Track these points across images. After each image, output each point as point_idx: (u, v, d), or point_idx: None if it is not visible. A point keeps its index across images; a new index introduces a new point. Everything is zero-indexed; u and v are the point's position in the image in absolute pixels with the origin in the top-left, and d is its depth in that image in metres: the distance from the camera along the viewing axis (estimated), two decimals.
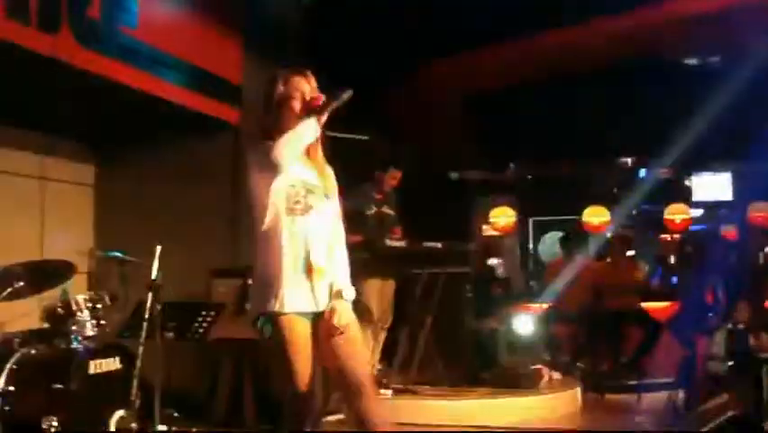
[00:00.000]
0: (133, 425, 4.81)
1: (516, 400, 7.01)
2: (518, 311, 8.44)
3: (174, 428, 5.36)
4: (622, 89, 10.81)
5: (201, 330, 5.65)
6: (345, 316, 3.51)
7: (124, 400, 4.83)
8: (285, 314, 3.45)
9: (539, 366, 7.57)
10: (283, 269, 3.47)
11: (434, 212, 10.29)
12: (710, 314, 8.01)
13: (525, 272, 14.36)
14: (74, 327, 5.07)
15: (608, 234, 11.40)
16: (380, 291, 7.07)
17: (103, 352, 5.08)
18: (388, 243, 6.93)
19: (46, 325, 5.18)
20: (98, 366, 4.96)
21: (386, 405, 6.58)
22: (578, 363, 8.60)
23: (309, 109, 3.53)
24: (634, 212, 13.43)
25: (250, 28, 7.78)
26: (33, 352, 5.01)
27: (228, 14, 7.58)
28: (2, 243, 6.42)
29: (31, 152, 7.44)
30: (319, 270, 3.52)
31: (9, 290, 5.04)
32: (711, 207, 14.17)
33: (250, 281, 4.32)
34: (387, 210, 7.35)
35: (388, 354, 7.51)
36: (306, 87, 3.58)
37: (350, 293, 3.59)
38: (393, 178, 7.33)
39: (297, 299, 3.47)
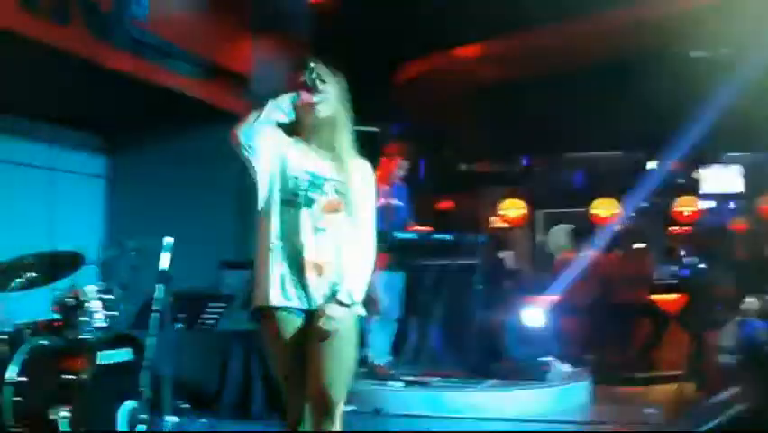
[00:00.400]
0: (143, 415, 4.82)
1: (526, 393, 7.01)
2: (528, 303, 8.42)
3: (184, 419, 5.39)
4: (631, 81, 10.78)
5: (211, 321, 5.66)
6: (332, 323, 3.29)
7: (134, 391, 4.84)
8: (270, 308, 3.34)
9: (549, 358, 7.57)
10: (273, 262, 3.35)
11: (444, 203, 10.31)
12: (719, 306, 8.01)
13: (535, 264, 14.34)
14: (84, 318, 5.10)
15: (617, 227, 11.38)
16: (390, 283, 7.07)
17: (113, 342, 5.11)
18: (397, 234, 6.93)
19: (57, 315, 5.20)
20: (108, 357, 4.98)
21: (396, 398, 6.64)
22: (587, 356, 8.59)
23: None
24: (643, 204, 13.39)
25: (259, 19, 7.79)
26: (44, 342, 5.04)
27: (238, 6, 7.59)
28: (13, 233, 6.44)
29: (42, 143, 7.47)
30: (316, 266, 3.34)
31: (20, 280, 5.08)
32: (720, 199, 14.12)
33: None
34: (394, 202, 7.32)
35: (398, 345, 7.52)
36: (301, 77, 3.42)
37: (349, 298, 3.34)
38: (400, 168, 7.29)
39: (284, 293, 3.34)
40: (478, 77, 11.15)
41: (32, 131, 7.33)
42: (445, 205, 12.86)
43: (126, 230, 6.96)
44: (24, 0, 5.28)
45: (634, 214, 12.91)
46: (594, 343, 8.93)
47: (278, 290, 3.34)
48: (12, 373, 4.81)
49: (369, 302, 3.50)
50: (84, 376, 4.80)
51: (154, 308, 4.79)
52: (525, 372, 7.32)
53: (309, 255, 3.35)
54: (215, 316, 5.65)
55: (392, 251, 6.85)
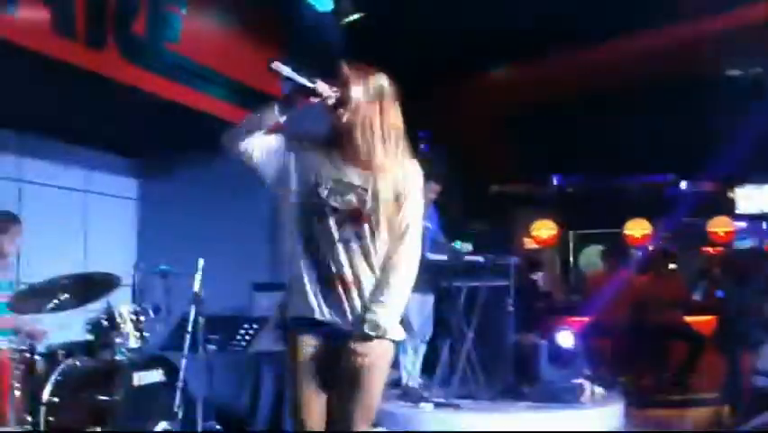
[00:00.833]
0: None
1: (558, 415, 6.95)
2: (560, 325, 8.37)
3: None
4: (664, 102, 10.73)
5: (243, 343, 5.67)
6: (357, 360, 3.08)
7: (167, 412, 4.86)
8: (292, 320, 3.22)
9: (581, 380, 7.50)
10: (297, 273, 3.20)
11: (475, 225, 10.27)
12: (755, 328, 7.91)
13: (566, 286, 14.27)
14: (118, 340, 5.13)
15: (650, 248, 11.31)
16: (421, 305, 7.05)
17: (146, 364, 5.13)
18: (429, 256, 6.91)
19: (90, 337, 5.24)
20: (142, 378, 5.01)
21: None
22: (620, 378, 8.51)
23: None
24: (676, 225, 13.30)
25: (291, 42, 7.83)
26: (78, 363, 5.07)
27: (269, 29, 7.63)
28: (47, 255, 6.50)
29: (76, 166, 7.55)
30: (341, 281, 3.14)
31: (55, 301, 5.11)
32: (755, 220, 13.98)
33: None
34: (426, 224, 7.31)
35: (428, 367, 7.49)
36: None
37: (374, 329, 3.10)
38: (432, 191, 7.29)
39: (306, 305, 3.17)
40: (510, 98, 11.14)
41: (66, 154, 7.42)
42: (477, 227, 12.84)
43: (159, 252, 7.01)
44: (59, 25, 5.35)
45: (667, 235, 12.82)
46: (627, 365, 8.86)
47: (300, 301, 3.19)
48: (46, 393, 4.84)
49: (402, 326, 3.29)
50: (118, 397, 4.82)
51: (187, 329, 4.81)
52: (558, 394, 7.26)
53: (334, 269, 3.16)
54: (248, 337, 5.67)
55: (423, 272, 6.83)
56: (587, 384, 7.48)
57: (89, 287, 5.26)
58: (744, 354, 7.55)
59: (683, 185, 13.61)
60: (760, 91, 10.20)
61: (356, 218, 3.16)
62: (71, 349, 5.18)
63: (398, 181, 3.22)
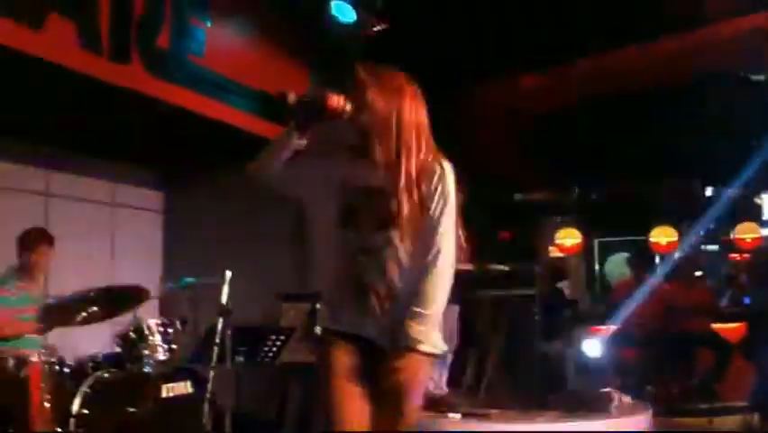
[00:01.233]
0: None
1: (586, 424, 6.91)
2: (586, 334, 8.33)
3: None
4: (689, 107, 10.66)
5: (271, 354, 5.67)
6: (396, 378, 2.91)
7: (195, 424, 4.86)
8: (325, 333, 3.07)
9: (608, 389, 7.46)
10: (329, 286, 3.11)
11: (499, 234, 10.26)
12: None
13: (591, 294, 14.20)
14: (146, 352, 5.17)
15: (676, 255, 11.23)
16: (445, 315, 7.03)
17: (174, 376, 5.16)
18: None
19: (119, 349, 5.27)
20: (170, 390, 5.04)
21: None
22: (648, 387, 8.46)
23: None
24: (703, 231, 13.21)
25: (314, 54, 7.86)
26: (106, 375, 5.11)
27: (293, 41, 7.66)
28: (75, 267, 6.55)
29: (102, 180, 7.60)
30: (374, 291, 2.99)
31: (83, 314, 5.14)
32: None
33: (318, 306, 4.28)
34: None
35: (455, 377, 7.47)
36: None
37: (412, 342, 2.93)
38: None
39: (337, 318, 3.06)
40: (532, 105, 11.11)
41: (92, 167, 7.47)
42: (501, 235, 12.80)
43: (185, 264, 7.05)
44: (85, 39, 5.40)
45: (693, 241, 12.73)
46: (654, 373, 8.79)
47: (335, 314, 3.07)
48: (76, 405, 4.87)
49: None
50: (145, 409, 4.84)
51: (214, 341, 4.82)
52: (586, 403, 7.22)
53: (367, 279, 2.99)
54: (275, 349, 5.67)
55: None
56: (614, 393, 7.44)
57: (118, 299, 5.31)
58: None
59: (709, 191, 13.51)
60: None
61: (387, 225, 3.00)
62: (100, 362, 5.22)
63: (428, 183, 3.06)
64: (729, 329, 9.30)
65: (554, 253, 13.48)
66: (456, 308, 7.19)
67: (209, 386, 4.83)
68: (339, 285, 3.07)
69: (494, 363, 7.34)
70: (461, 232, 3.27)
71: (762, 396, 7.41)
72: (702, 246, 12.93)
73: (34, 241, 5.74)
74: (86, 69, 5.43)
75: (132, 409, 4.86)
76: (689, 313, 8.94)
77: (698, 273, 10.26)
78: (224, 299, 4.91)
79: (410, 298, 2.98)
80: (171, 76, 6.23)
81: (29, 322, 5.43)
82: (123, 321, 5.42)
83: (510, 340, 7.41)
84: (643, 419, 7.29)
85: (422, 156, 3.08)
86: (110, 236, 7.73)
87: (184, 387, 5.14)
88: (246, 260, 6.25)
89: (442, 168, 3.10)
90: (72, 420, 4.84)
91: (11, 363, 5.06)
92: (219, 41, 6.73)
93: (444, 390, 7.23)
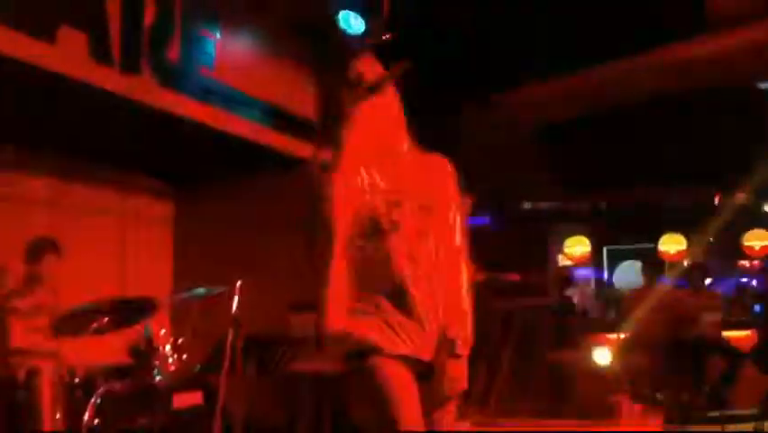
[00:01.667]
0: None
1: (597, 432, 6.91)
2: (596, 342, 8.31)
3: None
4: (698, 115, 10.66)
5: (281, 364, 5.68)
6: (455, 385, 2.91)
7: None
8: (373, 351, 2.77)
9: (619, 397, 7.45)
10: (357, 301, 2.84)
11: (509, 243, 10.24)
12: None
13: (601, 302, 14.17)
14: (157, 362, 5.16)
15: (685, 263, 11.20)
16: None
17: (185, 386, 5.16)
18: None
19: (129, 360, 5.27)
20: (181, 401, 5.03)
21: None
22: (658, 394, 8.43)
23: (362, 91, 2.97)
24: (712, 239, 13.18)
25: (322, 64, 7.87)
26: (117, 386, 5.10)
27: (304, 52, 7.67)
28: (85, 278, 6.56)
29: (112, 190, 7.62)
30: (416, 304, 2.83)
31: (94, 325, 5.15)
32: None
33: None
34: None
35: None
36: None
37: (458, 347, 2.91)
38: (465, 205, 7.26)
39: (385, 337, 2.79)
40: (541, 115, 11.11)
41: (102, 177, 7.49)
42: (511, 245, 12.80)
43: (195, 275, 7.04)
44: (96, 51, 5.43)
45: (703, 249, 12.70)
46: (665, 381, 8.77)
47: (380, 333, 2.79)
48: (87, 417, 4.87)
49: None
50: (157, 420, 4.85)
51: (225, 351, 4.82)
52: (596, 411, 7.21)
53: (393, 289, 2.82)
54: (286, 358, 5.67)
55: None
56: (625, 401, 7.43)
57: (128, 310, 5.30)
58: None
59: (719, 198, 13.48)
60: None
61: (407, 231, 2.86)
62: (110, 372, 5.22)
63: (431, 184, 3.00)
64: (740, 337, 9.28)
65: (564, 261, 13.46)
66: None
67: (220, 396, 4.83)
68: (369, 300, 2.86)
69: (505, 372, 7.34)
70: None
71: None
72: (711, 254, 12.88)
73: (42, 250, 5.75)
74: (98, 81, 5.45)
75: (143, 420, 4.86)
76: (699, 321, 8.92)
77: (708, 281, 10.24)
78: (234, 309, 4.92)
79: (450, 311, 2.97)
80: (181, 87, 6.25)
81: (40, 333, 5.44)
82: (134, 332, 5.42)
83: (521, 349, 7.41)
84: (653, 427, 7.28)
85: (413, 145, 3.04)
86: (120, 246, 7.74)
87: (195, 397, 5.14)
88: (256, 270, 6.26)
89: (443, 166, 3.10)
90: (83, 432, 4.85)
91: (22, 374, 5.09)
92: (229, 52, 6.75)
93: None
